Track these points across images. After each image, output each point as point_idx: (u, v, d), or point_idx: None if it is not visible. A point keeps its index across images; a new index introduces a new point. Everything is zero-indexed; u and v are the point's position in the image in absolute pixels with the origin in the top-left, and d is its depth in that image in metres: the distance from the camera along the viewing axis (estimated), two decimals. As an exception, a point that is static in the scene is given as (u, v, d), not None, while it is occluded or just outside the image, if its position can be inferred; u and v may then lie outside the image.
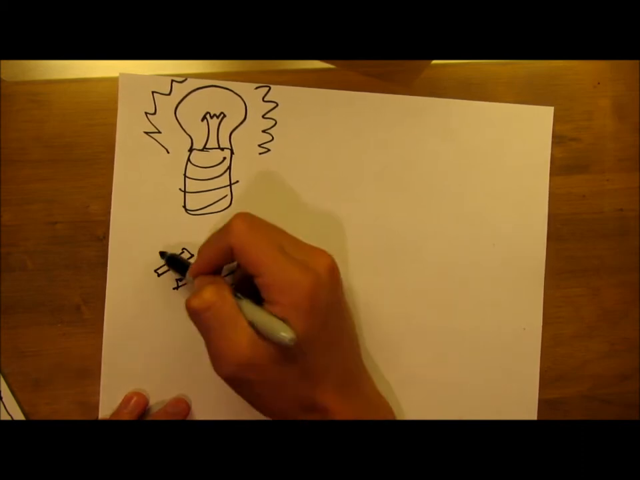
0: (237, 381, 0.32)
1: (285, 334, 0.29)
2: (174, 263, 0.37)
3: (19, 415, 0.38)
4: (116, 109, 0.38)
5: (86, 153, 0.39)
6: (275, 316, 0.30)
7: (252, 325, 0.31)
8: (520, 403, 0.41)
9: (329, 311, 0.31)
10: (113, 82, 0.38)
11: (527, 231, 0.41)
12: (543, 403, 0.42)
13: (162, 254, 0.38)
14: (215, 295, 0.31)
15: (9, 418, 0.38)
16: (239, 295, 0.32)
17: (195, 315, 0.31)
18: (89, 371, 0.39)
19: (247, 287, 0.33)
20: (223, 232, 0.32)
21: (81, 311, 0.39)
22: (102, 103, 0.38)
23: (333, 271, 0.32)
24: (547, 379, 0.42)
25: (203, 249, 0.34)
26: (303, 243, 0.33)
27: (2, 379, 0.38)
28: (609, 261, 0.43)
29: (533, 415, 0.42)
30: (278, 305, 0.30)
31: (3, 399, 0.38)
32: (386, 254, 0.40)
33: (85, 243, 0.39)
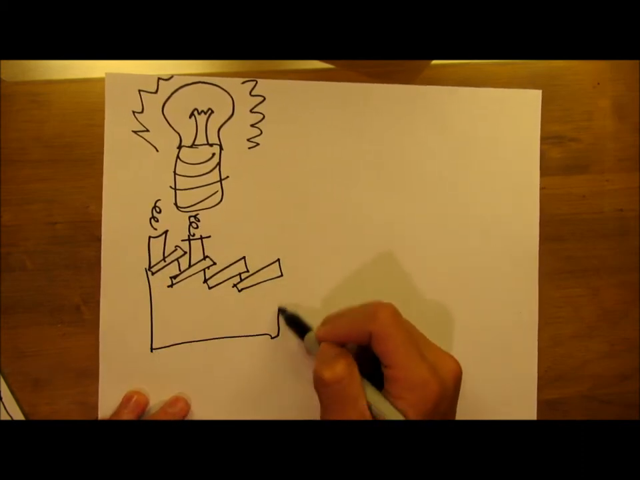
0: None
1: None
2: (293, 322, 0.38)
3: (18, 415, 0.38)
4: (116, 109, 0.39)
5: (86, 153, 0.39)
6: (397, 409, 0.30)
7: (370, 407, 0.31)
8: (519, 397, 0.42)
9: (444, 417, 0.31)
10: (112, 82, 0.39)
11: (520, 215, 0.42)
12: (542, 403, 0.42)
13: (281, 311, 0.39)
14: (346, 370, 0.31)
15: (8, 418, 0.38)
16: (363, 378, 0.32)
17: (323, 385, 0.31)
18: (89, 371, 0.39)
19: (363, 365, 0.33)
20: (366, 316, 0.32)
21: (81, 311, 0.39)
22: (102, 103, 0.38)
23: (458, 380, 0.32)
24: (547, 379, 0.42)
25: (340, 322, 0.35)
26: (432, 344, 0.33)
27: (2, 379, 0.38)
28: (609, 261, 0.43)
29: (531, 408, 0.42)
30: (402, 400, 0.30)
31: (3, 399, 0.38)
32: (379, 245, 0.40)
33: (84, 243, 0.39)
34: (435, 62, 0.41)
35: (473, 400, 0.41)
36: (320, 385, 0.32)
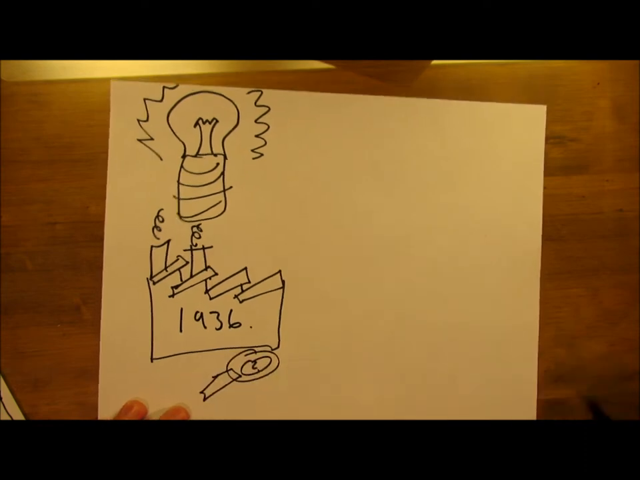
0: None
1: None
2: None
3: (18, 415, 0.38)
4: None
5: (85, 154, 0.39)
6: None
7: None
8: (519, 397, 0.42)
9: None
10: (113, 82, 0.39)
11: (523, 228, 0.41)
12: (542, 403, 0.42)
13: None
14: None
15: (8, 418, 0.38)
16: None
17: None
18: (89, 372, 0.39)
19: None
20: None
21: (81, 312, 0.39)
22: (102, 104, 0.38)
23: None
24: (547, 379, 0.42)
25: None
26: None
27: (2, 379, 0.38)
28: (609, 261, 0.43)
29: (531, 408, 0.42)
30: None
31: (3, 399, 0.38)
32: (382, 254, 0.40)
33: (84, 243, 0.39)
34: (435, 62, 0.41)
35: (473, 400, 0.41)
36: None
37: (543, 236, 0.42)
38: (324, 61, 0.40)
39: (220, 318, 0.39)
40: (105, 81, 0.39)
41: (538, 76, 0.42)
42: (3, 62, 0.38)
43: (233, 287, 0.39)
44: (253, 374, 0.40)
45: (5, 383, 0.38)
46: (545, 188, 0.42)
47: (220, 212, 0.39)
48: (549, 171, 0.42)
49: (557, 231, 0.42)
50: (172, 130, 0.39)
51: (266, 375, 0.40)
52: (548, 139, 0.42)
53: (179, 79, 0.39)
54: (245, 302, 0.39)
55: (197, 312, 0.39)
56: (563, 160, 0.42)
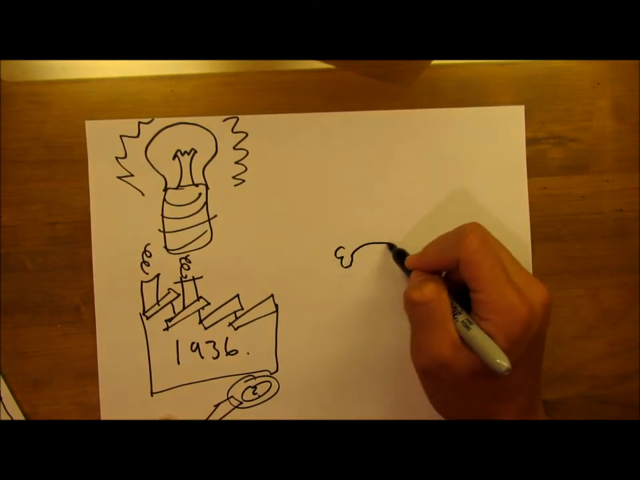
0: (429, 375, 0.33)
1: (502, 362, 0.29)
2: (400, 256, 0.38)
3: (18, 415, 0.38)
4: (115, 110, 0.38)
5: (85, 154, 0.38)
6: (488, 334, 0.30)
7: (460, 332, 0.31)
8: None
9: (533, 342, 0.32)
10: (113, 82, 0.39)
11: (512, 231, 0.41)
12: (542, 403, 0.42)
13: (390, 246, 0.40)
14: (434, 292, 0.32)
15: (8, 418, 0.38)
16: (454, 302, 0.33)
17: (412, 306, 0.33)
18: (89, 372, 0.39)
19: (456, 294, 0.33)
20: (454, 243, 0.32)
21: (81, 312, 0.39)
22: (102, 104, 0.38)
23: (548, 307, 0.32)
24: (547, 379, 0.42)
25: (429, 249, 0.35)
26: (523, 270, 0.33)
27: (2, 379, 0.38)
28: (609, 261, 0.43)
29: None
30: (489, 322, 0.30)
31: (3, 399, 0.38)
32: (373, 273, 0.40)
33: (84, 243, 0.39)
34: (434, 62, 0.41)
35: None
36: (409, 305, 0.33)
37: (543, 236, 0.42)
38: (324, 60, 0.40)
39: (216, 347, 0.39)
40: (105, 81, 0.39)
41: (538, 76, 0.42)
42: (3, 62, 0.38)
43: (226, 314, 0.39)
44: (254, 399, 0.40)
45: (5, 383, 0.38)
46: (545, 188, 0.42)
47: (207, 242, 0.39)
48: (549, 171, 0.42)
49: (556, 230, 0.42)
50: (151, 164, 0.39)
51: (267, 400, 0.40)
52: (548, 138, 0.42)
53: (179, 79, 0.39)
54: (240, 329, 0.39)
55: (193, 343, 0.39)
56: (563, 160, 0.42)
